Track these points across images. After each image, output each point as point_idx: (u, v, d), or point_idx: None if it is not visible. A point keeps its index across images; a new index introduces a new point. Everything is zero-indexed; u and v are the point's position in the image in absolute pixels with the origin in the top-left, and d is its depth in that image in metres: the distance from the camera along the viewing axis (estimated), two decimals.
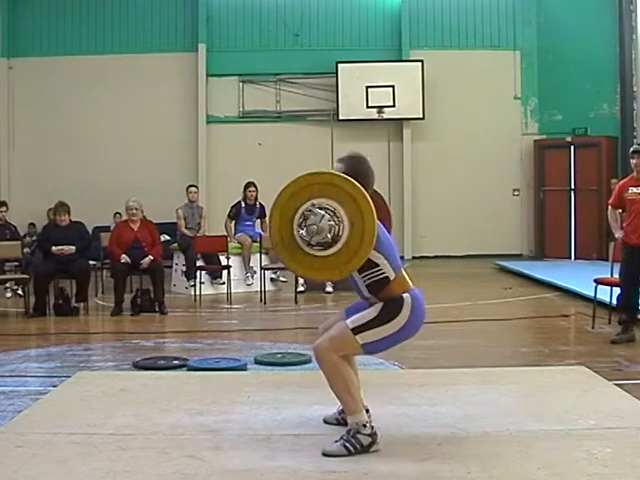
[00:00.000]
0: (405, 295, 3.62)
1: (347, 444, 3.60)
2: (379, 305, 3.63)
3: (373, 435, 3.64)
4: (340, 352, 3.61)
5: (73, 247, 8.83)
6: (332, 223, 3.45)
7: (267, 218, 3.52)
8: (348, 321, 3.64)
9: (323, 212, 3.46)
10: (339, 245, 3.48)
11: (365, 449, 3.61)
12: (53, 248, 8.79)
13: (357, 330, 3.59)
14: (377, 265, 3.60)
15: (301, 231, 3.48)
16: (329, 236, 3.45)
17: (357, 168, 3.69)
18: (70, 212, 9.08)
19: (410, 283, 3.68)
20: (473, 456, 3.55)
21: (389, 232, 3.84)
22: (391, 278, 3.62)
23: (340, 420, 3.92)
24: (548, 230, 15.13)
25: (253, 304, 9.62)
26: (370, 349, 3.65)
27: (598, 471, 3.36)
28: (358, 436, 3.61)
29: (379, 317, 3.59)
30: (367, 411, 3.74)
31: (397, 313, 3.59)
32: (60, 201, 9.23)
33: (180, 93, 15.45)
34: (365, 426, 3.61)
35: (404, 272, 3.70)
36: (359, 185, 3.53)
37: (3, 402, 4.79)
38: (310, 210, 3.47)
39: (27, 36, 15.50)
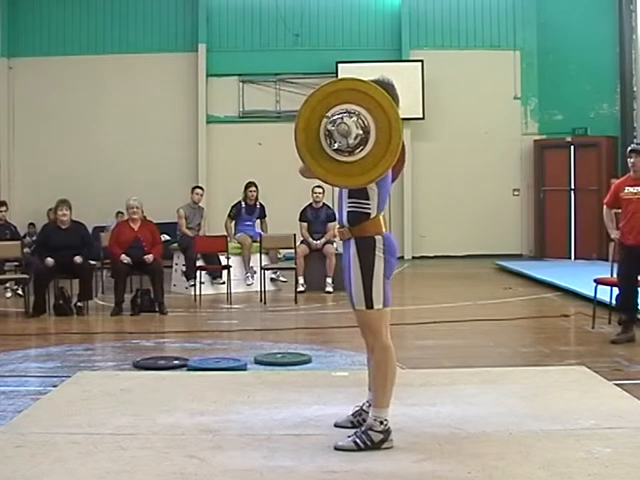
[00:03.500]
0: (377, 237, 3.69)
1: (357, 440, 3.65)
2: (354, 261, 3.67)
3: (385, 432, 3.67)
4: (383, 330, 3.69)
5: (79, 258, 8.74)
6: (354, 119, 3.47)
7: (298, 155, 3.47)
8: (357, 307, 3.70)
9: (340, 116, 3.48)
10: (373, 135, 3.50)
11: (376, 445, 3.64)
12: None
13: (369, 303, 3.66)
14: (368, 198, 3.68)
15: (334, 145, 3.49)
16: (360, 132, 3.47)
17: None
18: (71, 209, 9.01)
19: (384, 228, 3.75)
20: (473, 456, 3.55)
21: (395, 179, 3.94)
22: (371, 216, 3.70)
23: (355, 423, 3.92)
24: (548, 230, 15.12)
25: (253, 304, 9.61)
26: (387, 302, 3.72)
27: (598, 471, 3.36)
28: (369, 432, 3.66)
29: (364, 276, 3.65)
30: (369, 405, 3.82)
31: (372, 258, 3.66)
32: (62, 198, 9.16)
33: (180, 93, 15.46)
34: (381, 423, 3.66)
35: (382, 217, 3.76)
36: (355, 77, 3.58)
37: (3, 402, 4.79)
38: (330, 123, 3.48)
39: (27, 36, 15.51)
